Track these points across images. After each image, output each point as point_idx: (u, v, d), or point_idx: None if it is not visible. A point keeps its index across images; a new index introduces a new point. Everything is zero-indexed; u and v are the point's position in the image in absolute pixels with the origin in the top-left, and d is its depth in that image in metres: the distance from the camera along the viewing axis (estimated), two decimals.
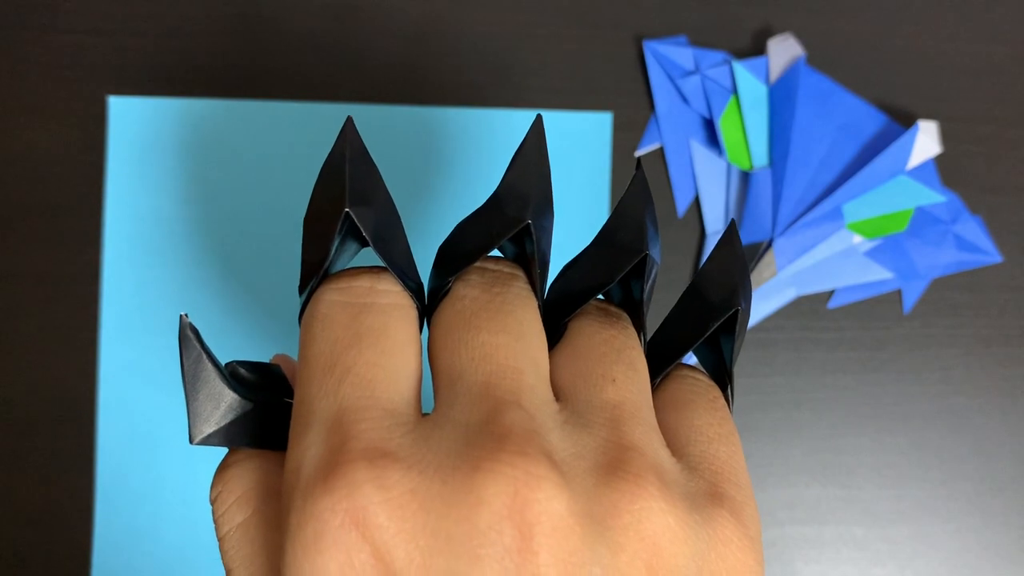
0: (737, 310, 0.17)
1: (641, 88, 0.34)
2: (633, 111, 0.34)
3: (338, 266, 0.17)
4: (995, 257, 0.35)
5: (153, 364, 0.32)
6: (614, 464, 0.14)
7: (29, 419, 0.32)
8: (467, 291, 0.16)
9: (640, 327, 0.17)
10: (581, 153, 0.34)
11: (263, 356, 0.32)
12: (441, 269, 0.17)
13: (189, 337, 0.16)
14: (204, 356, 0.16)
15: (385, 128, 0.33)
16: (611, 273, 0.17)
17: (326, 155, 0.30)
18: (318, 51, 0.33)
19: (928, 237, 0.34)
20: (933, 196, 0.33)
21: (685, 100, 0.34)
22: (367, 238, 0.15)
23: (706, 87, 0.34)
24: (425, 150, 0.33)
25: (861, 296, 0.34)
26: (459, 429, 0.14)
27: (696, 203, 0.34)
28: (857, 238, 0.34)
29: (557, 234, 0.33)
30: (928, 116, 0.35)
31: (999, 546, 0.34)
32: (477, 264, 0.17)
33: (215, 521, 0.16)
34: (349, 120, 0.16)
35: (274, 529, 0.16)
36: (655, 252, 0.17)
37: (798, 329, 0.34)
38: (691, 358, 0.31)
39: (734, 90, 0.34)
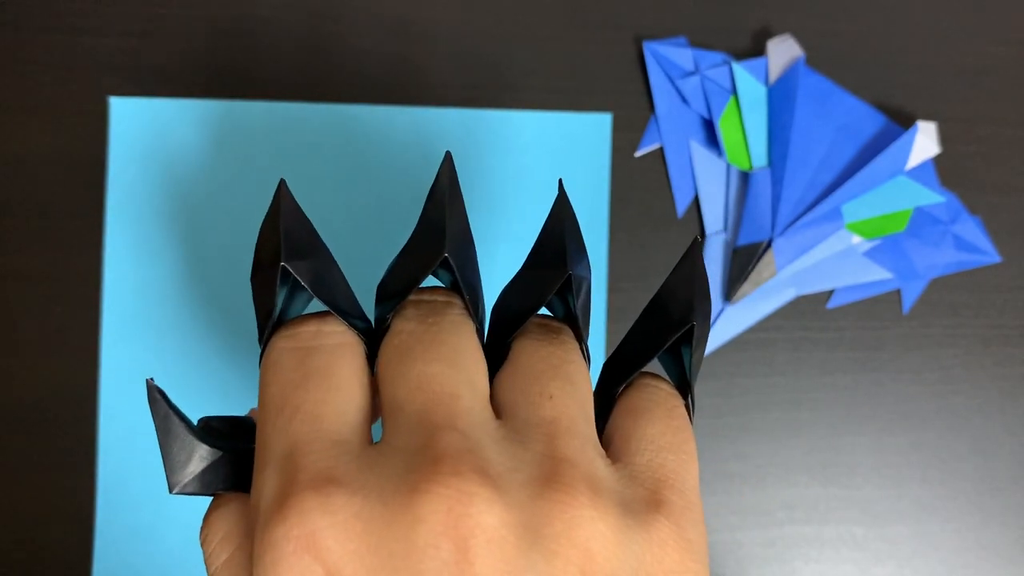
0: (693, 325, 0.18)
1: (641, 88, 0.34)
2: (633, 111, 0.34)
3: (293, 313, 0.18)
4: (994, 257, 0.35)
5: (154, 364, 0.32)
6: (548, 476, 0.15)
7: (30, 419, 0.32)
8: (403, 325, 0.17)
9: (580, 338, 0.18)
10: (581, 154, 0.34)
11: None
12: (381, 306, 0.18)
13: (157, 399, 0.17)
14: (172, 414, 0.17)
15: (385, 129, 0.33)
16: (540, 296, 0.18)
17: (325, 156, 0.30)
18: (318, 52, 0.33)
19: (927, 237, 0.34)
20: (932, 196, 0.33)
21: (685, 101, 0.34)
22: (306, 287, 0.17)
23: (706, 88, 0.34)
24: (425, 151, 0.33)
25: (860, 296, 0.34)
26: (400, 455, 0.15)
27: (696, 203, 0.34)
28: (856, 238, 0.34)
29: None
30: (927, 117, 0.35)
31: (998, 545, 0.34)
32: (412, 298, 0.18)
33: (205, 561, 0.17)
34: (282, 182, 0.18)
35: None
36: (580, 269, 0.18)
37: (797, 329, 0.34)
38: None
39: (734, 91, 0.34)
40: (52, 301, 0.32)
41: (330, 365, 0.17)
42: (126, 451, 0.32)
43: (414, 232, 0.18)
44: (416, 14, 0.34)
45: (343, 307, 0.18)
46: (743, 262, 0.33)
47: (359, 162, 0.33)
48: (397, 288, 0.18)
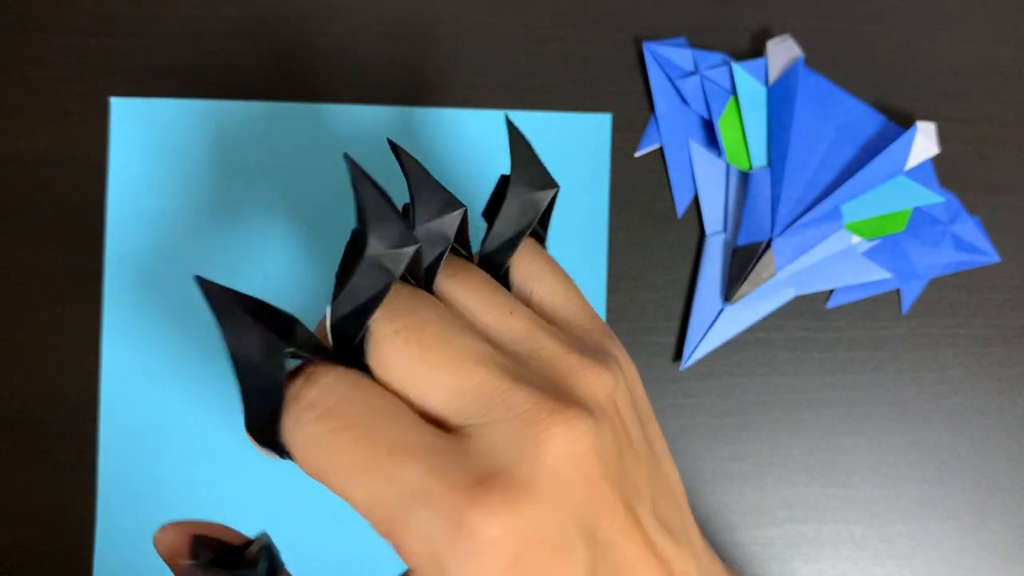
0: (557, 188, 0.21)
1: (641, 89, 0.34)
2: (633, 112, 0.34)
3: None
4: (993, 257, 0.35)
5: (155, 364, 0.32)
6: (568, 370, 0.18)
7: (31, 419, 0.32)
8: (390, 326, 0.18)
9: (466, 257, 0.21)
10: (581, 154, 0.34)
11: None
12: (352, 319, 0.18)
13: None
14: None
15: (385, 129, 0.33)
16: (447, 240, 0.19)
17: (325, 157, 0.30)
18: (318, 52, 0.33)
19: (926, 237, 0.34)
20: (931, 196, 0.33)
21: (684, 101, 0.34)
22: (311, 359, 0.17)
23: (705, 88, 0.34)
24: (425, 151, 0.33)
25: (860, 296, 0.35)
26: (498, 428, 0.17)
27: (695, 203, 0.35)
28: (856, 238, 0.34)
29: (557, 233, 0.33)
30: (926, 117, 0.35)
31: (997, 545, 0.35)
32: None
33: None
34: (198, 279, 0.17)
35: None
36: (450, 222, 0.20)
37: (797, 329, 0.34)
38: None
39: (733, 91, 0.34)
40: (54, 301, 0.32)
41: (366, 400, 0.17)
42: (126, 451, 0.32)
43: (353, 235, 0.18)
44: (415, 15, 0.34)
45: (321, 348, 0.18)
46: (743, 262, 0.33)
47: (359, 162, 0.33)
48: (370, 294, 0.18)
